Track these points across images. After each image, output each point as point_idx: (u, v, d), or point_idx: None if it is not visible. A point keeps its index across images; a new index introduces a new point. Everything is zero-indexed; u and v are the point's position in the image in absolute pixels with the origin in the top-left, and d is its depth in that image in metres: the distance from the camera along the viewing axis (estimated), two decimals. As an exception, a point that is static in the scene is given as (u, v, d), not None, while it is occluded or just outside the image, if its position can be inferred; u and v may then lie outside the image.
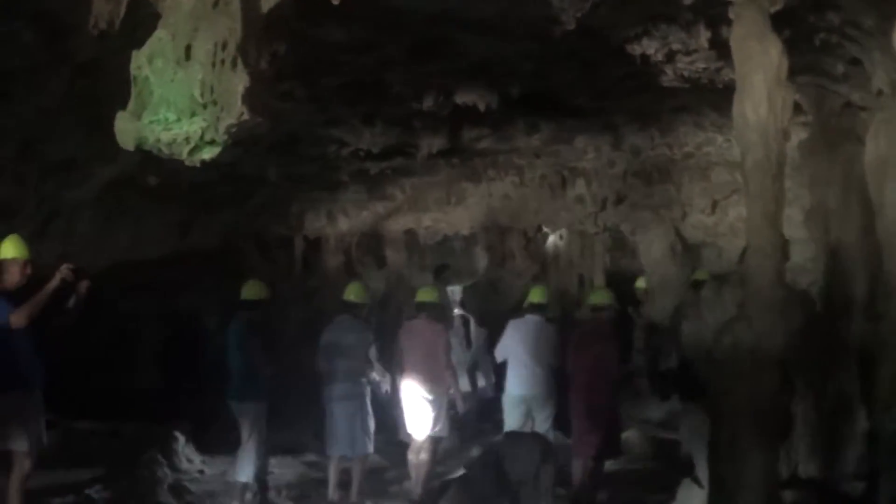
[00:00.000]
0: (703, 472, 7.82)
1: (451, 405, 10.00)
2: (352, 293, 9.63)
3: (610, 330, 9.66)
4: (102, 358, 14.87)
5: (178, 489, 9.64)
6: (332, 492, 9.38)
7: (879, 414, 6.92)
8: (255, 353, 8.91)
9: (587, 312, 9.97)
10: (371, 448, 9.39)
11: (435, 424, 9.61)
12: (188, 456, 10.77)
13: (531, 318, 10.57)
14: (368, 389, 9.40)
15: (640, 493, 9.69)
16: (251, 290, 9.24)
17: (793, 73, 5.77)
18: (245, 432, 8.95)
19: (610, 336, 9.58)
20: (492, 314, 14.19)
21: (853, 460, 7.87)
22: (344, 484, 9.42)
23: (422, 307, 9.90)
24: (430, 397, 9.57)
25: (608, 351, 9.36)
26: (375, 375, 9.52)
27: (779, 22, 5.62)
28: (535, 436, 9.27)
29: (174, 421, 11.43)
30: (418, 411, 9.62)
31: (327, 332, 9.49)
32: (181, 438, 10.92)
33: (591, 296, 10.13)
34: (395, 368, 9.84)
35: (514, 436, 9.00)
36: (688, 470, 8.76)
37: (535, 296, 10.89)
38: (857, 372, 7.76)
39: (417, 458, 9.67)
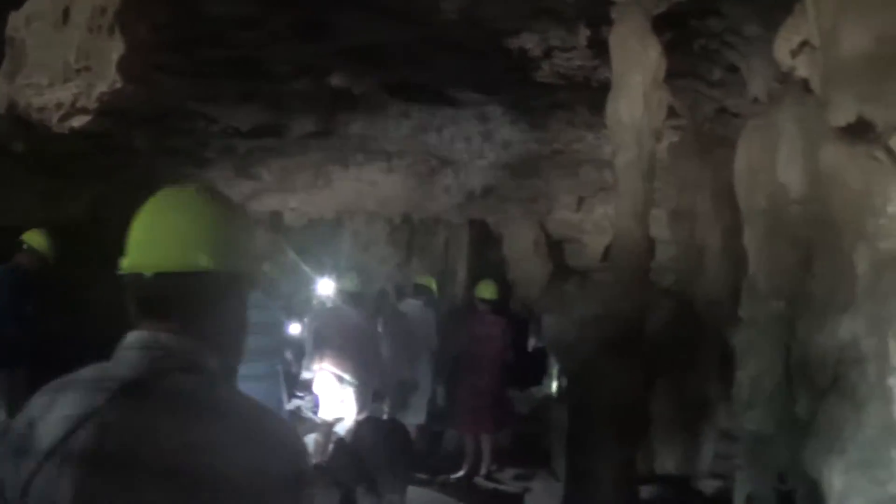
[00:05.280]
0: (559, 464, 7.96)
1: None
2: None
3: (499, 317, 10.03)
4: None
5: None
6: None
7: (738, 414, 7.12)
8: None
9: (478, 302, 10.19)
10: None
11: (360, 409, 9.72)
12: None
13: (413, 303, 10.73)
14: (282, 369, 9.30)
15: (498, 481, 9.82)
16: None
17: (670, 76, 5.88)
18: None
19: (499, 323, 9.94)
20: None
21: (710, 458, 8.11)
22: None
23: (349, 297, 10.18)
24: (355, 382, 9.66)
25: (498, 337, 9.76)
26: (288, 355, 9.63)
27: (660, 25, 5.72)
28: (392, 422, 9.30)
29: None
30: (337, 396, 9.69)
31: None
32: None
33: (479, 289, 10.36)
34: (313, 353, 9.87)
35: (372, 422, 8.99)
36: (545, 461, 8.90)
37: (422, 282, 11.16)
38: (718, 373, 7.97)
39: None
